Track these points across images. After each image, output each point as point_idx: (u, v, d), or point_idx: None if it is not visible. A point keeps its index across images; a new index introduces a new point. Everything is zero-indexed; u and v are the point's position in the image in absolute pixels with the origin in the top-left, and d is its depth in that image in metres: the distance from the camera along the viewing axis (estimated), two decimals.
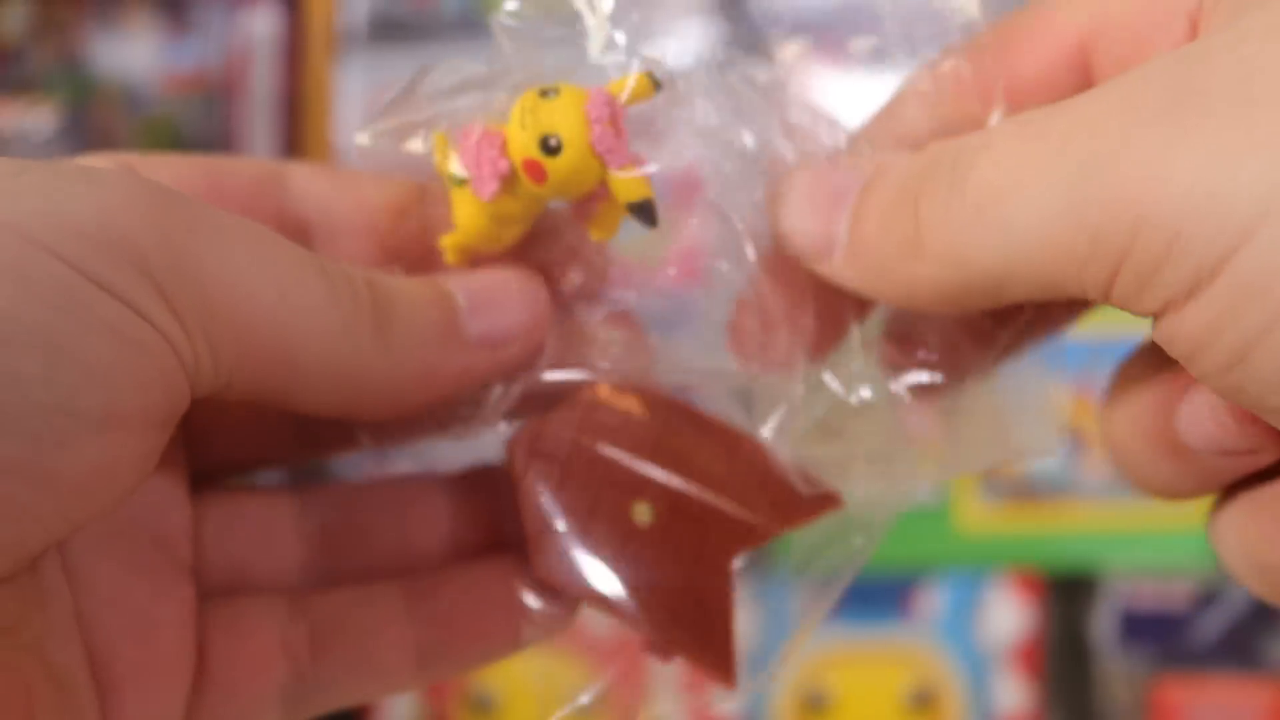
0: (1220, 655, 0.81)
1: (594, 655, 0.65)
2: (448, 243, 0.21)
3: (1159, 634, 0.60)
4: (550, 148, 0.19)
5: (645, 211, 0.20)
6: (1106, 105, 0.16)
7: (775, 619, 0.59)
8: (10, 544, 0.15)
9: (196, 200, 0.17)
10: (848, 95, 0.71)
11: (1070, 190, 0.16)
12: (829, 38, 0.68)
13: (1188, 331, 0.15)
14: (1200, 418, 0.18)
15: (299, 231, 0.22)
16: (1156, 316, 0.16)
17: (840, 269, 0.20)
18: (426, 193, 0.23)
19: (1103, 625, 0.61)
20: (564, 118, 0.19)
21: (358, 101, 0.68)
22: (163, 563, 0.20)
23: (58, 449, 0.15)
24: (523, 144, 0.19)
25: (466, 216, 0.20)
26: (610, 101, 0.19)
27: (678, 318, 0.23)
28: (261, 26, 0.69)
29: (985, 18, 0.22)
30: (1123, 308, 0.16)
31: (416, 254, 0.22)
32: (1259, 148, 0.14)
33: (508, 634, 0.23)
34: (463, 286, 0.21)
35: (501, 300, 0.21)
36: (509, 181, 0.20)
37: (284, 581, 0.22)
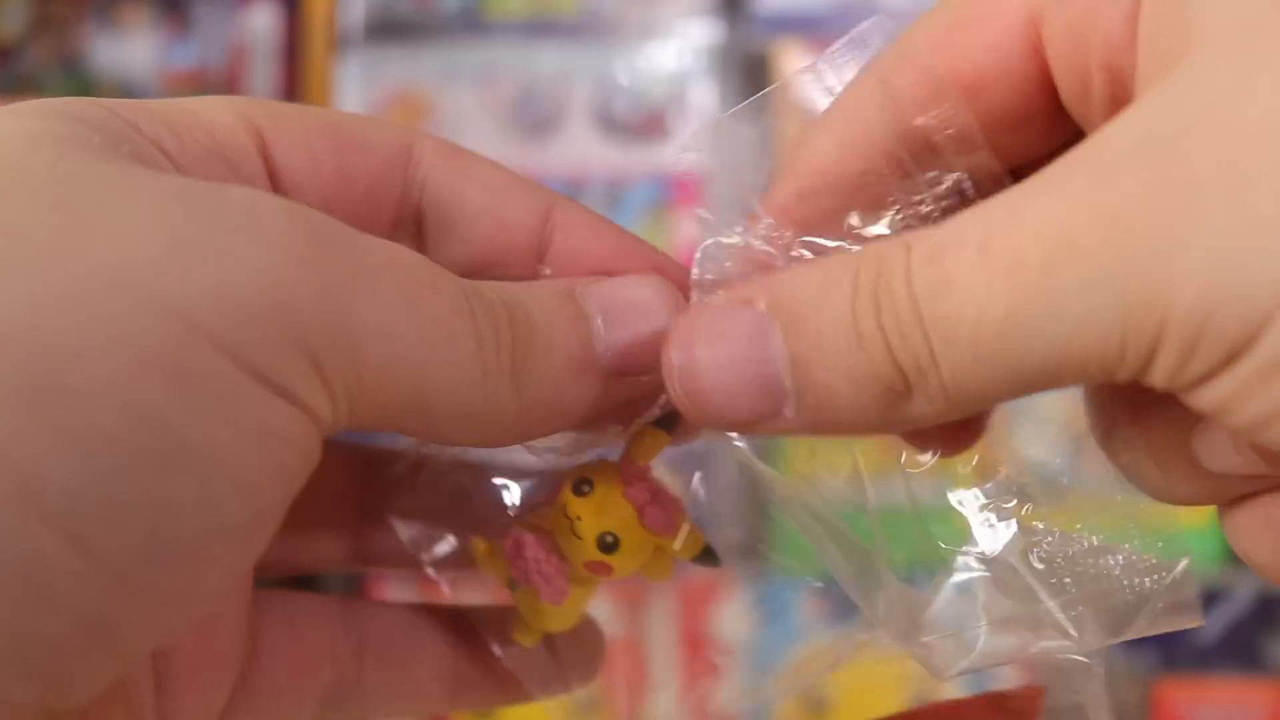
0: (1222, 656, 0.80)
1: None
2: (523, 639, 0.21)
3: (1160, 634, 0.59)
4: (608, 545, 0.20)
5: (709, 557, 0.21)
6: (1091, 213, 0.15)
7: (775, 621, 0.59)
8: (141, 654, 0.15)
9: (351, 236, 0.16)
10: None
11: (1083, 310, 0.15)
12: (829, 38, 0.68)
13: (1216, 398, 0.15)
14: (1222, 448, 0.18)
15: (415, 221, 0.21)
16: (1180, 392, 0.16)
17: (799, 426, 0.17)
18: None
19: None
20: (613, 514, 0.20)
21: (357, 99, 0.67)
22: None
23: (203, 566, 0.14)
24: (580, 550, 0.20)
25: (535, 613, 0.21)
26: (645, 479, 0.20)
27: None
28: (261, 25, 0.69)
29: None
30: (1148, 385, 0.16)
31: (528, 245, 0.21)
32: (1264, 235, 0.14)
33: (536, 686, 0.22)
34: (600, 304, 0.19)
35: (637, 322, 0.19)
36: (574, 580, 0.20)
37: (335, 561, 0.22)
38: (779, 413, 0.17)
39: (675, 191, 0.66)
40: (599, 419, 0.20)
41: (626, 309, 0.20)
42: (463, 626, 0.22)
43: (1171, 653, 0.73)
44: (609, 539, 0.20)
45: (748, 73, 0.73)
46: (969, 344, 0.16)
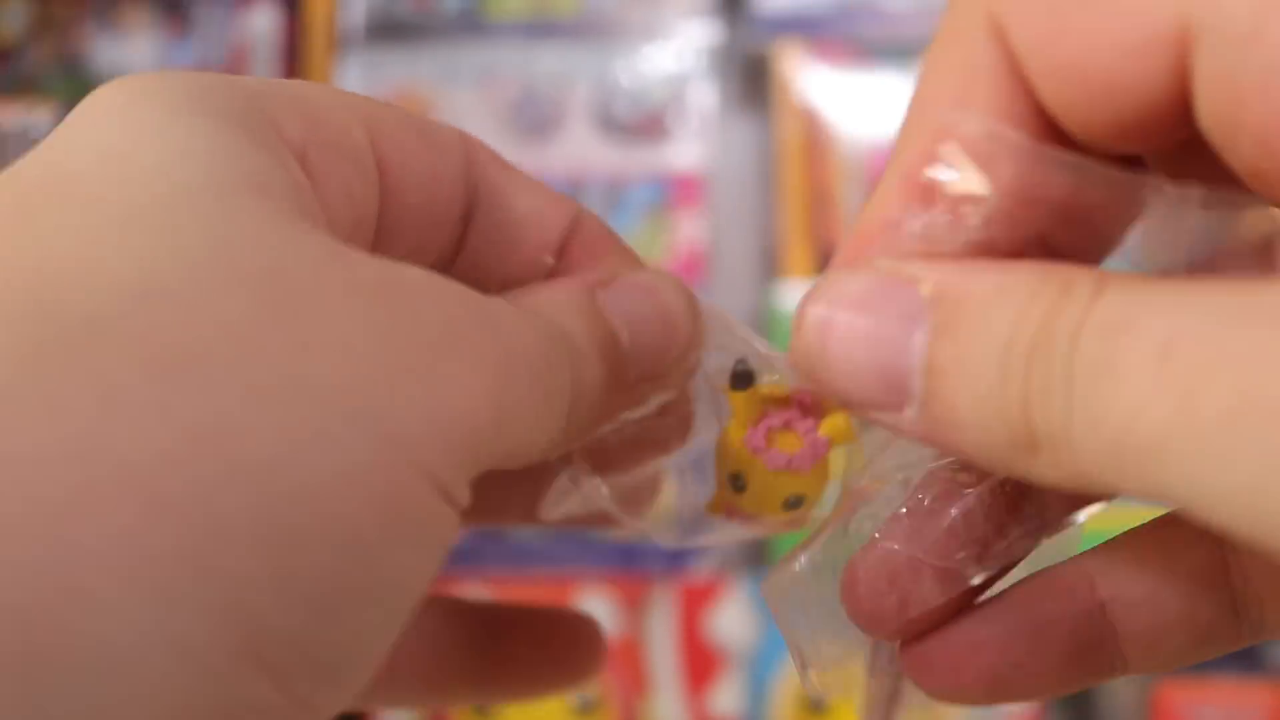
0: (1222, 657, 0.80)
1: None
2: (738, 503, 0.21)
3: None
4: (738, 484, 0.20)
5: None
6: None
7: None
8: None
9: (510, 335, 0.16)
10: (847, 95, 0.71)
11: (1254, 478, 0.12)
12: (830, 39, 0.68)
13: None
14: None
15: (465, 220, 0.20)
16: None
17: (914, 428, 0.16)
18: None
19: None
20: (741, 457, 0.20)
21: None
22: None
23: (370, 670, 0.14)
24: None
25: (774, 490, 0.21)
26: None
27: None
28: (261, 25, 0.69)
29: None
30: None
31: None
32: None
33: None
34: (624, 316, 0.19)
35: (662, 335, 0.19)
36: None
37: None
38: (899, 410, 0.16)
39: (675, 192, 0.66)
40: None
41: (651, 319, 0.19)
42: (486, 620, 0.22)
43: None
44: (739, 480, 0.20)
45: (748, 73, 0.73)
46: (1109, 439, 0.14)
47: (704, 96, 0.68)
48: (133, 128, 0.15)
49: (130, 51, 0.68)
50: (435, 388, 0.14)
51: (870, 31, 0.67)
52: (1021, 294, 0.15)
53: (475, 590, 0.67)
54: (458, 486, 0.14)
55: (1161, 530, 0.18)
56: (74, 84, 0.68)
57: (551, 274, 0.20)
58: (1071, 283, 0.14)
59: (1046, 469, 0.15)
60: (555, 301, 0.18)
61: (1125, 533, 0.19)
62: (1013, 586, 0.19)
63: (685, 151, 0.67)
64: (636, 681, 0.64)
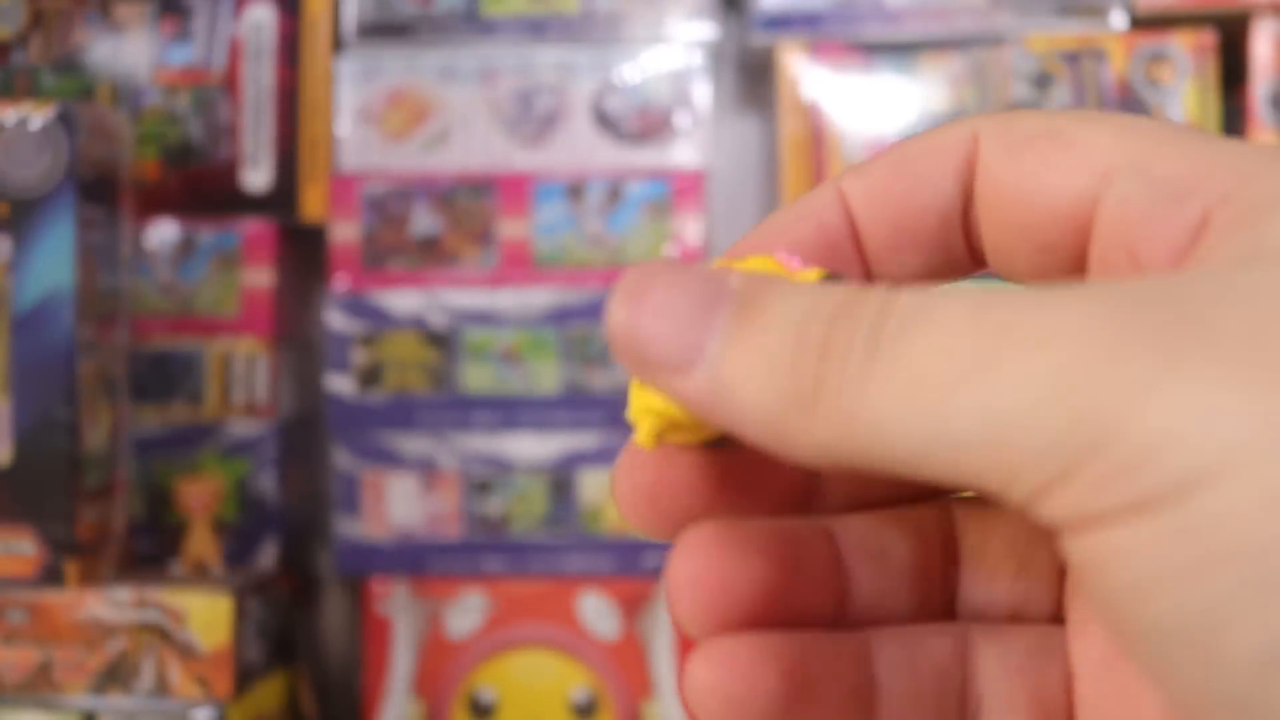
0: None
1: (594, 655, 0.64)
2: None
3: None
4: None
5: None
6: (1094, 315, 0.14)
7: None
8: None
9: None
10: (847, 94, 0.71)
11: (1034, 400, 0.14)
12: (830, 38, 0.68)
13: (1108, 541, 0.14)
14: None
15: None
16: (1069, 527, 0.14)
17: (698, 390, 0.17)
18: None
19: None
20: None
21: (357, 100, 0.67)
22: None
23: None
24: None
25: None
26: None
27: None
28: (259, 23, 0.68)
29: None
30: (1036, 514, 0.15)
31: None
32: (1254, 395, 0.13)
33: None
34: None
35: None
36: None
37: None
38: (689, 371, 0.17)
39: (675, 191, 0.66)
40: None
41: None
42: None
43: None
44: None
45: (748, 72, 0.73)
46: (900, 390, 0.15)
47: (704, 95, 0.67)
48: None
49: (127, 50, 0.68)
50: None
51: (871, 31, 0.66)
52: (823, 287, 0.17)
53: (474, 590, 0.66)
54: None
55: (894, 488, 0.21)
56: (70, 81, 0.68)
57: None
58: (867, 286, 0.16)
59: (822, 434, 0.16)
60: None
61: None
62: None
63: (685, 150, 0.67)
64: (637, 682, 0.64)
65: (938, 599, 0.20)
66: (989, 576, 0.20)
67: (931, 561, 0.20)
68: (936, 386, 0.15)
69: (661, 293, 0.17)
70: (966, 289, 0.16)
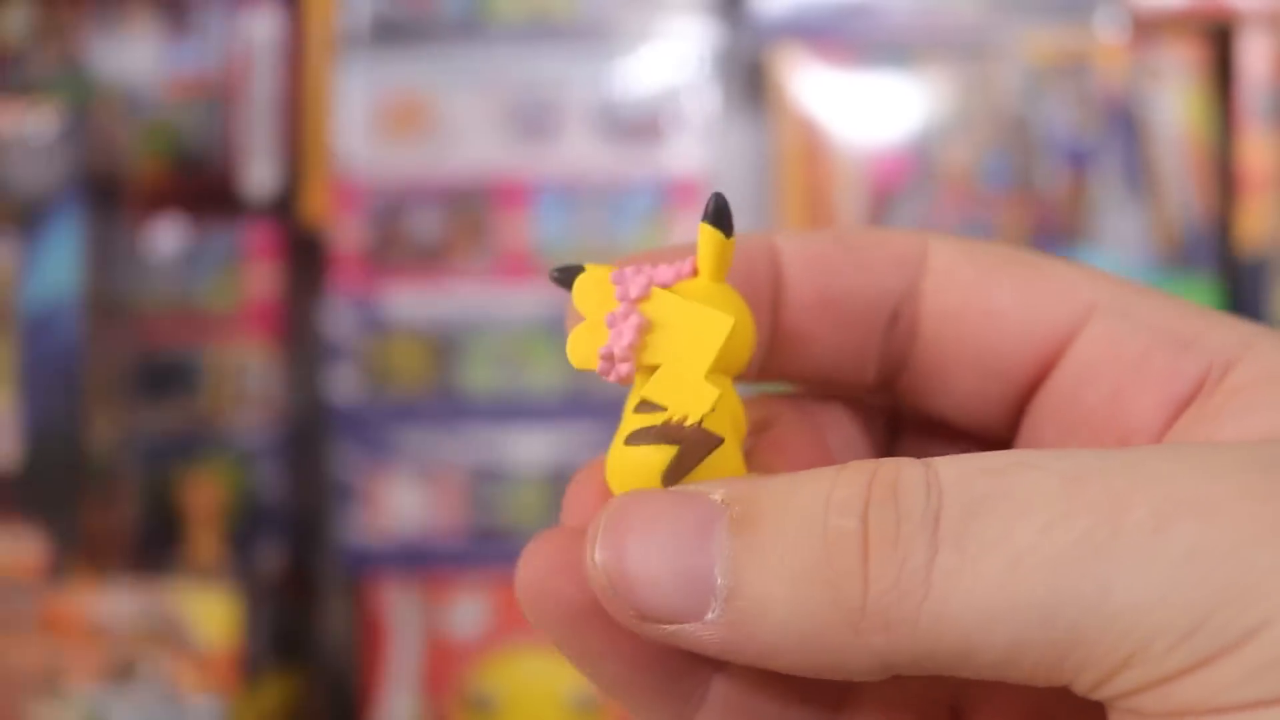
0: None
1: None
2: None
3: None
4: None
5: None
6: (1222, 483, 0.13)
7: None
8: None
9: None
10: (846, 98, 0.72)
11: (1169, 580, 0.12)
12: (829, 42, 0.69)
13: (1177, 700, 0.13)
14: None
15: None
16: (1174, 714, 0.13)
17: (716, 636, 0.14)
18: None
19: None
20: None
21: (359, 104, 0.68)
22: None
23: None
24: None
25: None
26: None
27: None
28: (262, 29, 0.69)
29: None
30: (1130, 703, 0.13)
31: None
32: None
33: None
34: None
35: None
36: None
37: None
38: (701, 615, 0.14)
39: (674, 195, 0.67)
40: None
41: None
42: None
43: None
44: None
45: (747, 77, 0.73)
46: (1001, 568, 0.13)
47: (703, 100, 0.68)
48: None
49: (131, 54, 0.69)
50: None
51: (870, 34, 0.67)
52: (824, 472, 0.14)
53: (474, 590, 0.67)
54: None
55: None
56: (75, 87, 0.69)
57: None
58: (884, 460, 0.14)
59: (880, 646, 0.13)
60: None
61: None
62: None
63: (684, 155, 0.67)
64: None
65: None
66: None
67: None
68: (1039, 570, 0.13)
69: (643, 527, 0.14)
70: (1012, 455, 0.14)
